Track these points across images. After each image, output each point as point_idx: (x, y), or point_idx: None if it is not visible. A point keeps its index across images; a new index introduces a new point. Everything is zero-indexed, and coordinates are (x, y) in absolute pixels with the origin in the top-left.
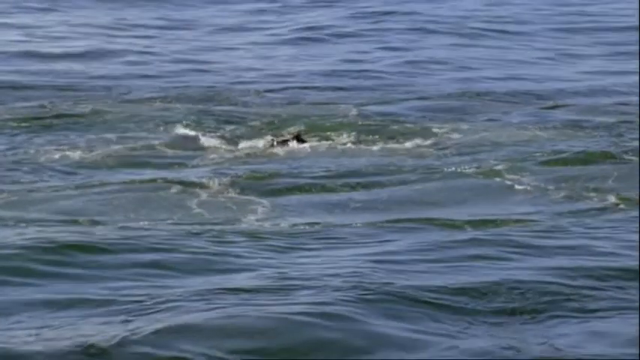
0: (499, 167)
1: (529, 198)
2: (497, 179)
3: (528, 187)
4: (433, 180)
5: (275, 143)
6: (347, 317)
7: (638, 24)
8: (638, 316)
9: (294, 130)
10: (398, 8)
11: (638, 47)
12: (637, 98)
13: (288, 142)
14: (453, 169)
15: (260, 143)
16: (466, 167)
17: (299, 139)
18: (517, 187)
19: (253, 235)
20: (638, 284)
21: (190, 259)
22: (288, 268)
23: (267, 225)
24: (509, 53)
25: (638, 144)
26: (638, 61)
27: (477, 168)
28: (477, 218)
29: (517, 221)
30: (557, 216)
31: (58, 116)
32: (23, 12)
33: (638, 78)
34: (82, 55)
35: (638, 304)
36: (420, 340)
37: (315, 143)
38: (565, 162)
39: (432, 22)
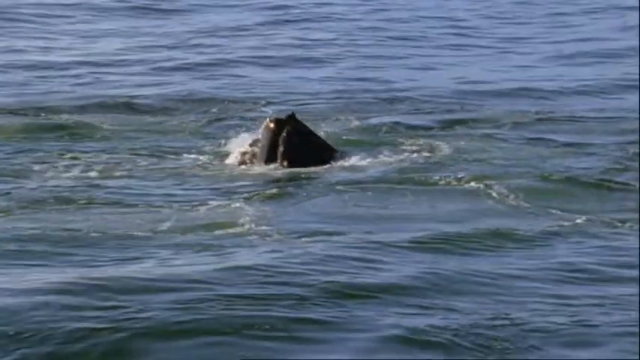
0: (492, 181)
1: (517, 212)
2: (486, 193)
3: (515, 202)
4: (424, 192)
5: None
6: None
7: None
8: (637, 322)
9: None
10: (406, 20)
11: (637, 47)
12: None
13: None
14: (445, 181)
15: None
16: (459, 180)
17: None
18: (506, 201)
19: (254, 243)
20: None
21: (193, 266)
22: (287, 273)
23: (267, 232)
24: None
25: (636, 159)
26: (638, 62)
27: (470, 181)
28: (467, 231)
29: (505, 234)
30: (548, 230)
31: (58, 127)
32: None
33: (638, 82)
34: (85, 64)
35: (637, 311)
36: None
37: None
38: (556, 179)
39: (439, 31)
